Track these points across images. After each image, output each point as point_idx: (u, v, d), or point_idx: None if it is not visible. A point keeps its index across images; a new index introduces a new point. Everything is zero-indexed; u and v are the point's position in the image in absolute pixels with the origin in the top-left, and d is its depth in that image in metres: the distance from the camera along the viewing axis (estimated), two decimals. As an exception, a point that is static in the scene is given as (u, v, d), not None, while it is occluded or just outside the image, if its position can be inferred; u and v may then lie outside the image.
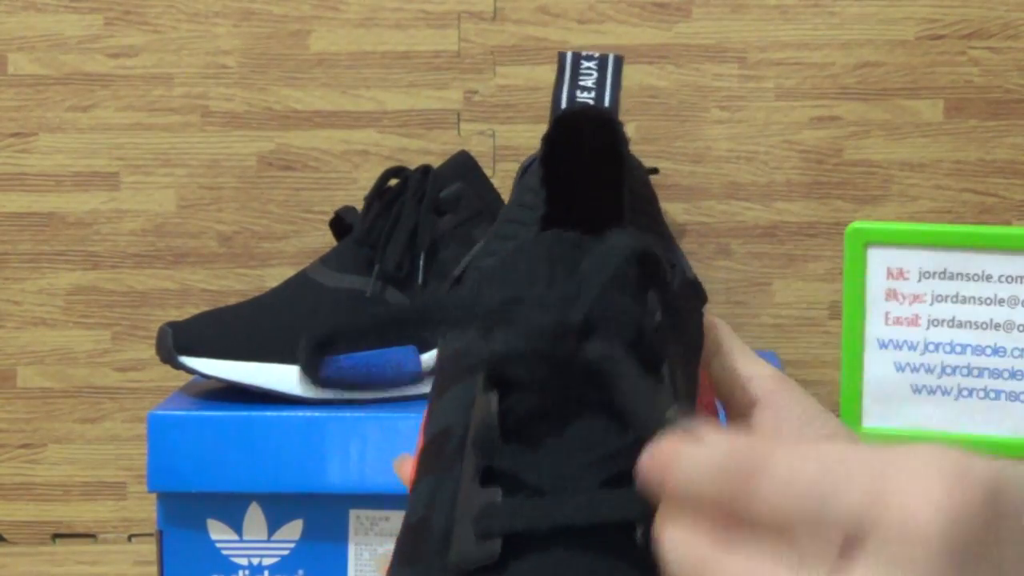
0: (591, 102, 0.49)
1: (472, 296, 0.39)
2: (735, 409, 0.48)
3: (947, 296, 0.81)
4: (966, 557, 0.29)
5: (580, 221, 0.48)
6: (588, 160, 0.48)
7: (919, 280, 0.81)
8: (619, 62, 0.50)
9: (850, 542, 0.30)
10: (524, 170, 0.49)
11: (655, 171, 1.01)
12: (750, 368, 0.48)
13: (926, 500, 0.29)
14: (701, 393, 0.47)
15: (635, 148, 1.08)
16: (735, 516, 0.33)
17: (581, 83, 0.49)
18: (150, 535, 1.09)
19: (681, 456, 0.35)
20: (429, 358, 0.87)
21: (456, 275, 0.46)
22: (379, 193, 0.91)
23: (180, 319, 0.88)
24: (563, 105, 0.49)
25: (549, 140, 0.46)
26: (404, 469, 0.45)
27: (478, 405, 0.38)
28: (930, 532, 0.29)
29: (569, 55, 0.50)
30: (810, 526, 0.31)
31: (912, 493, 0.30)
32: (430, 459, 0.41)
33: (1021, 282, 0.80)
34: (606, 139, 0.47)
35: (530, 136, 1.09)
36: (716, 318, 0.50)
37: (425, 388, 0.87)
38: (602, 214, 0.49)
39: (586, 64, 0.50)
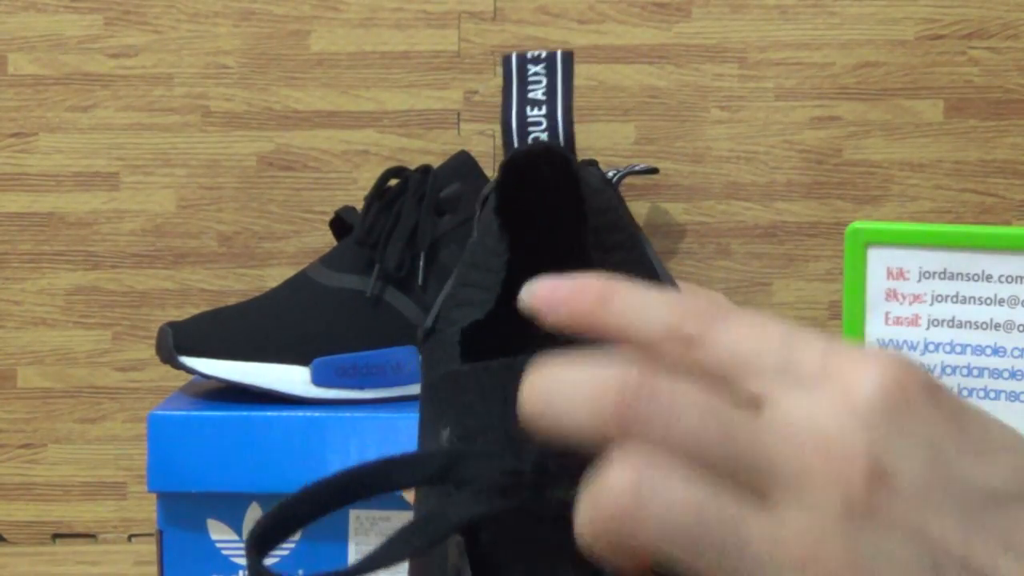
0: (543, 121, 0.46)
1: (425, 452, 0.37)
2: None
3: (947, 296, 0.81)
4: (899, 423, 0.31)
5: (545, 263, 0.47)
6: (545, 202, 0.46)
7: (919, 280, 0.81)
8: (568, 59, 0.47)
9: (800, 385, 0.32)
10: (483, 201, 0.46)
11: (655, 171, 1.01)
12: None
13: (881, 364, 0.32)
14: None
15: (635, 148, 1.08)
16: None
17: (531, 94, 0.46)
18: (150, 535, 1.09)
19: (621, 297, 0.34)
20: (429, 358, 0.87)
21: (428, 326, 0.44)
22: (379, 193, 0.91)
23: (180, 319, 0.89)
24: (514, 130, 0.46)
25: (501, 187, 0.43)
26: None
27: (450, 553, 0.37)
28: (883, 383, 0.31)
29: (514, 58, 0.47)
30: (770, 366, 0.32)
31: (870, 358, 0.32)
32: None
33: (1021, 282, 0.80)
34: (560, 180, 0.44)
35: (530, 136, 1.08)
36: (717, 294, 0.47)
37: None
38: (567, 256, 0.47)
39: (534, 69, 0.47)
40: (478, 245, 0.44)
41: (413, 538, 0.36)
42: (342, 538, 0.83)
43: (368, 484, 0.37)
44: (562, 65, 0.45)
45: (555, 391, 0.32)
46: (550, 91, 0.45)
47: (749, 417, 0.31)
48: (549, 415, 0.32)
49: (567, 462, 0.35)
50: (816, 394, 0.31)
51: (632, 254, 0.44)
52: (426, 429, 0.41)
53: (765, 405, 0.31)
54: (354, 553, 0.83)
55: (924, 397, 0.32)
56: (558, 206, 0.46)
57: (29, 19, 1.08)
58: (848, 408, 0.31)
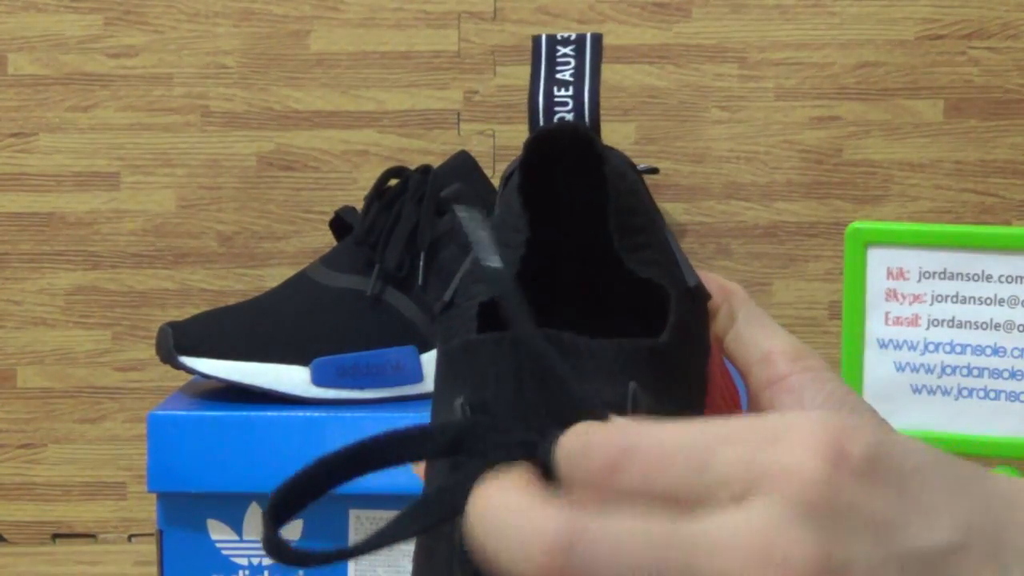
0: (569, 102, 0.46)
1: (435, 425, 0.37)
2: (754, 389, 0.44)
3: (947, 296, 0.81)
4: (846, 503, 0.31)
5: (566, 242, 0.47)
6: (568, 182, 0.46)
7: (919, 280, 0.81)
8: (597, 41, 0.47)
9: (734, 499, 0.31)
10: (507, 179, 0.46)
11: (655, 171, 1.01)
12: (768, 342, 0.45)
13: (813, 452, 0.31)
14: (714, 377, 0.44)
15: (635, 148, 1.08)
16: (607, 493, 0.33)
17: (559, 75, 0.47)
18: (150, 535, 1.09)
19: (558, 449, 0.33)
20: (429, 358, 0.87)
21: (447, 300, 0.44)
22: (379, 193, 0.91)
23: (180, 319, 0.89)
24: (540, 109, 0.46)
25: (524, 165, 0.44)
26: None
27: (456, 531, 0.37)
28: (817, 477, 0.31)
29: (544, 40, 0.47)
30: (692, 493, 0.32)
31: (799, 447, 0.31)
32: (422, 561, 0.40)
33: (1021, 282, 0.80)
34: (584, 160, 0.45)
35: (530, 136, 1.09)
36: (733, 284, 0.46)
37: (425, 388, 0.87)
38: (588, 236, 0.47)
39: (563, 50, 0.47)
40: (499, 220, 0.44)
41: (423, 514, 0.36)
42: (342, 538, 0.83)
43: (380, 455, 0.38)
44: (591, 47, 0.46)
45: (493, 530, 0.32)
46: (578, 72, 0.45)
47: (689, 542, 0.31)
48: (488, 550, 0.32)
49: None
50: (753, 502, 0.31)
51: (652, 237, 0.44)
52: (440, 399, 0.41)
53: (704, 525, 0.31)
54: (354, 553, 0.83)
55: (863, 472, 0.31)
56: (581, 186, 0.46)
57: (29, 19, 1.08)
58: (787, 509, 0.30)
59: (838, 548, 0.30)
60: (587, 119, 0.45)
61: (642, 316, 0.46)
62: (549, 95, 0.45)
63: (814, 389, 0.43)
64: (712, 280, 0.46)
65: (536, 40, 0.46)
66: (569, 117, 0.45)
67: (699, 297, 0.44)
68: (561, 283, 0.48)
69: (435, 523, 0.35)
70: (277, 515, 0.36)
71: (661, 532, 0.31)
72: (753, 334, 0.45)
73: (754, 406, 0.44)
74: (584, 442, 0.33)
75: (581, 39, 0.46)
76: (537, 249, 0.43)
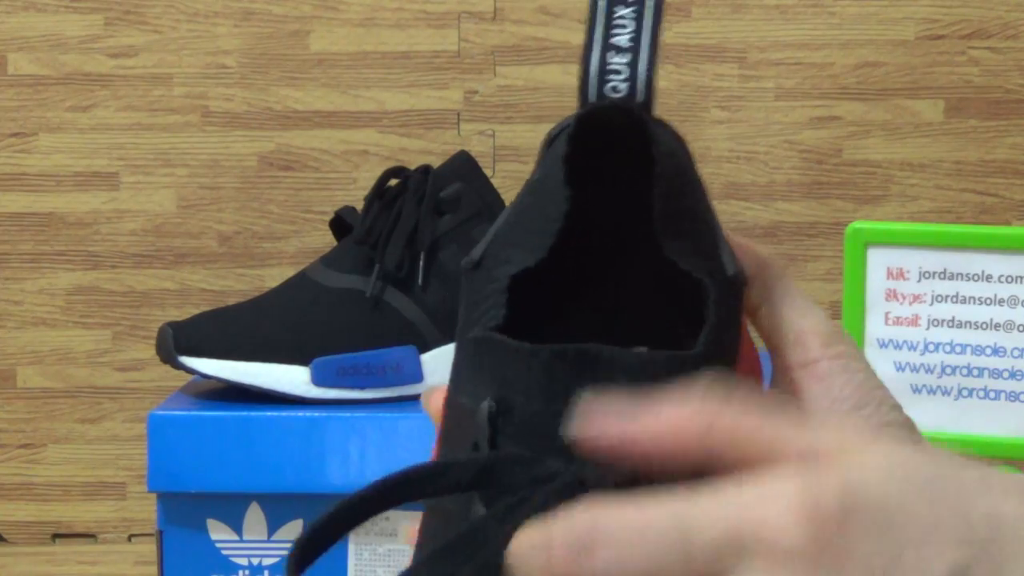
0: (625, 70, 0.44)
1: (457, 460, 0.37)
2: (781, 368, 0.43)
3: (947, 296, 0.81)
4: (833, 556, 0.30)
5: (606, 216, 0.46)
6: (614, 160, 0.45)
7: (919, 280, 0.81)
8: (660, 4, 0.45)
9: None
10: (551, 141, 0.45)
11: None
12: (802, 321, 0.43)
13: (788, 518, 0.30)
14: (741, 353, 0.43)
15: (635, 148, 1.08)
16: None
17: (614, 40, 0.44)
18: (150, 535, 1.09)
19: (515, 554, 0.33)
20: (429, 358, 0.87)
21: (476, 259, 0.42)
22: (379, 193, 0.91)
23: (180, 319, 0.89)
24: (591, 76, 0.44)
25: (572, 139, 0.43)
26: (435, 400, 0.42)
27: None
28: (796, 541, 0.30)
29: None
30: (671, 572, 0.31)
31: (774, 514, 0.31)
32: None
33: (1021, 282, 0.80)
34: (633, 140, 0.43)
35: (531, 136, 1.09)
36: (769, 255, 0.44)
37: (425, 388, 0.87)
38: (629, 211, 0.46)
39: (620, 11, 0.45)
40: (539, 186, 0.43)
41: (455, 556, 0.35)
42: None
43: (403, 493, 0.38)
44: (653, 9, 0.43)
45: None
46: (635, 38, 0.43)
47: None
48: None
49: (607, 472, 0.34)
50: (742, 572, 0.31)
51: (696, 226, 0.43)
52: (463, 377, 0.40)
53: None
54: (354, 553, 0.83)
55: (841, 522, 0.31)
56: (628, 165, 0.45)
57: (29, 19, 1.08)
58: (779, 569, 0.30)
59: None
60: (641, 91, 0.44)
61: (676, 301, 0.45)
62: (603, 61, 0.43)
63: (843, 379, 0.42)
64: (748, 250, 0.44)
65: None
66: (623, 87, 0.44)
67: (737, 286, 0.43)
68: (595, 262, 0.47)
69: (470, 567, 0.35)
70: (302, 561, 0.35)
71: None
72: (787, 312, 0.43)
73: (778, 384, 0.43)
74: (544, 536, 0.33)
75: (641, 1, 0.44)
76: (575, 224, 0.42)
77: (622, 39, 0.43)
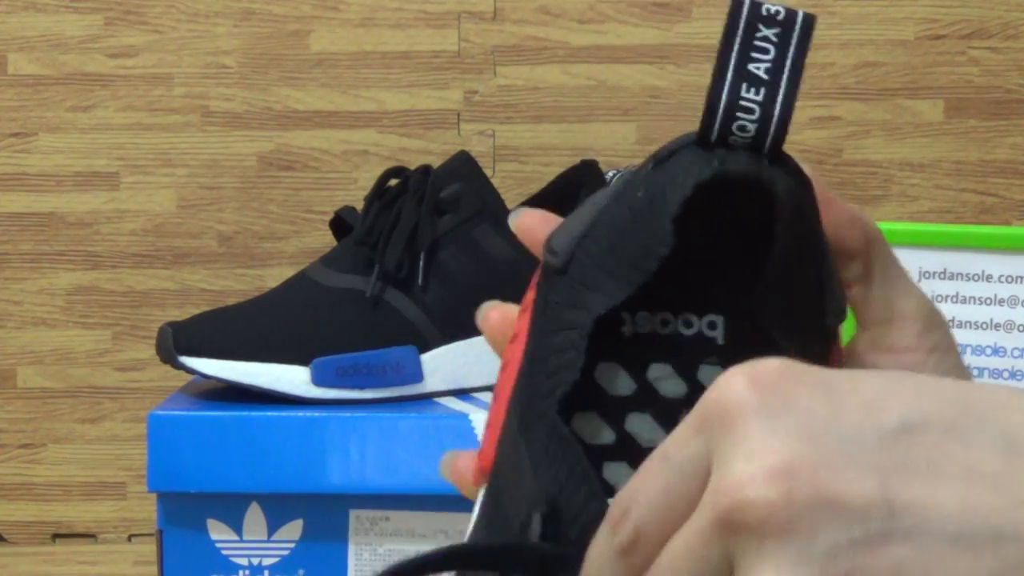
0: (757, 110, 0.37)
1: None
2: (864, 346, 0.42)
3: (947, 296, 0.81)
4: (774, 406, 0.32)
5: (703, 274, 0.42)
6: (730, 213, 0.41)
7: (919, 280, 0.81)
8: (808, 27, 0.37)
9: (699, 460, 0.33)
10: (665, 157, 0.40)
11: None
12: (900, 303, 0.41)
13: (735, 389, 0.32)
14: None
15: (636, 148, 1.08)
16: None
17: (752, 67, 0.38)
18: (150, 535, 1.09)
19: None
20: (429, 358, 0.87)
21: (560, 264, 0.39)
22: (379, 193, 0.91)
23: (180, 319, 0.88)
24: (719, 111, 0.38)
25: (688, 202, 0.38)
26: (458, 467, 0.42)
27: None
28: (744, 404, 0.32)
29: (746, 7, 0.37)
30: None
31: (726, 394, 0.32)
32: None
33: (1021, 282, 0.80)
34: (754, 201, 0.39)
35: (531, 136, 1.09)
36: (874, 231, 0.42)
37: (425, 388, 0.87)
38: (731, 275, 0.42)
39: (764, 32, 0.37)
40: (643, 211, 0.39)
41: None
42: (342, 538, 0.83)
43: (465, 563, 0.37)
44: (798, 35, 0.37)
45: None
46: (775, 69, 0.38)
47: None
48: None
49: None
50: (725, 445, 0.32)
51: (804, 302, 0.39)
52: (522, 474, 0.39)
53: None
54: (354, 553, 0.83)
55: (778, 380, 0.32)
56: (743, 220, 0.41)
57: (29, 19, 1.08)
58: (728, 446, 0.32)
59: (785, 451, 0.31)
60: (772, 138, 0.38)
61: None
62: (734, 94, 0.38)
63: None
64: (858, 223, 0.42)
65: (736, 7, 0.37)
66: (751, 127, 0.38)
67: (834, 329, 0.40)
68: (679, 300, 0.43)
69: None
70: None
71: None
72: (888, 292, 0.42)
73: (853, 360, 0.42)
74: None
75: (791, 20, 0.37)
76: (670, 263, 0.38)
77: (760, 68, 0.38)
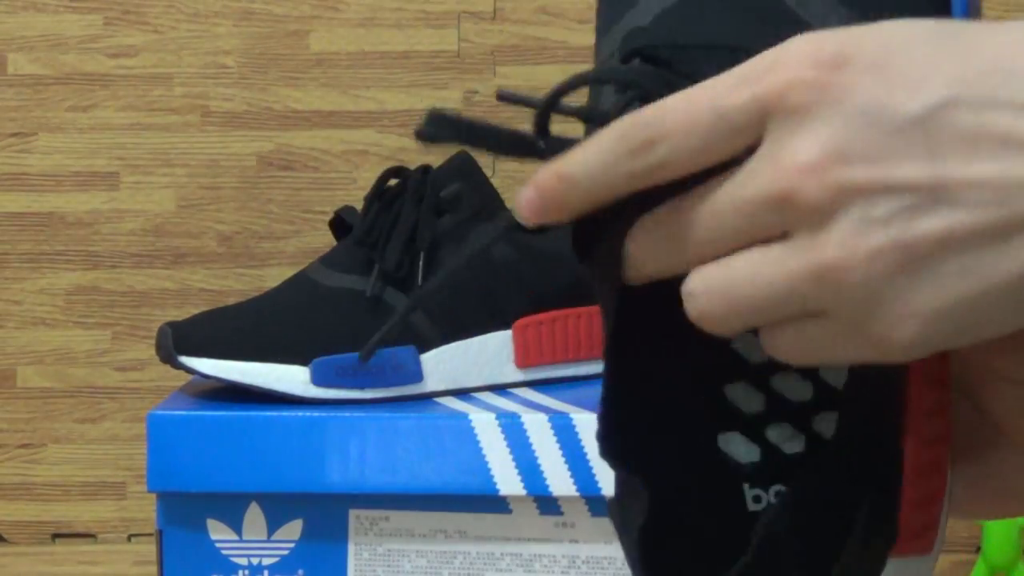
0: None
1: None
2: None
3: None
4: (833, 95, 0.34)
5: None
6: None
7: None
8: None
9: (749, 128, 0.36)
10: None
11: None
12: None
13: (795, 65, 0.35)
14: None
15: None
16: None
17: None
18: (150, 535, 1.09)
19: (570, 165, 0.38)
20: (429, 358, 0.87)
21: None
22: (379, 193, 0.91)
23: (180, 319, 0.89)
24: None
25: None
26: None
27: None
28: (803, 95, 0.34)
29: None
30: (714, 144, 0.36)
31: (783, 75, 0.35)
32: None
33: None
34: None
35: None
36: None
37: (425, 388, 0.87)
38: None
39: None
40: None
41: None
42: (342, 538, 0.83)
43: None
44: None
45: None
46: None
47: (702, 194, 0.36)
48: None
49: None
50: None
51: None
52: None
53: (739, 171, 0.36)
54: (354, 553, 0.83)
55: (837, 65, 0.34)
56: None
57: (29, 19, 1.08)
58: (785, 124, 0.35)
59: (836, 137, 0.34)
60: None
61: None
62: None
63: None
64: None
65: None
66: None
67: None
68: None
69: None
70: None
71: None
72: None
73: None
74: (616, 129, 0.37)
75: None
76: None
77: None
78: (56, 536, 1.10)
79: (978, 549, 0.92)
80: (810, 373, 0.43)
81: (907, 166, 0.33)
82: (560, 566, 0.81)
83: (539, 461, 0.80)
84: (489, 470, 0.80)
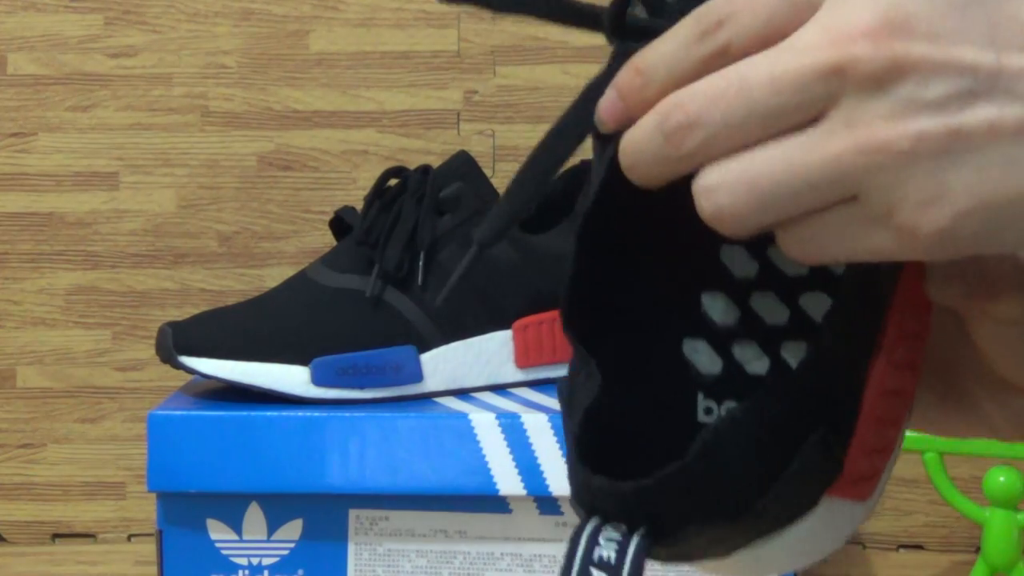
0: None
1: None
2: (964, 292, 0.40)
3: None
4: (895, 63, 0.33)
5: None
6: None
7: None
8: (639, 557, 0.36)
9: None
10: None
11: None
12: None
13: (857, 45, 0.34)
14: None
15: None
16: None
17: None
18: (150, 535, 1.09)
19: (646, 58, 0.37)
20: (429, 358, 0.87)
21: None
22: (379, 193, 0.91)
23: (180, 319, 0.89)
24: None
25: None
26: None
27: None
28: (866, 65, 0.33)
29: (582, 543, 0.37)
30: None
31: (845, 48, 0.34)
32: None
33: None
34: None
35: (531, 136, 1.09)
36: None
37: (425, 388, 0.87)
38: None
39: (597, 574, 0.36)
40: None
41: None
42: (342, 538, 0.83)
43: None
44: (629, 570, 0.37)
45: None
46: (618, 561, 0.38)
47: (765, 60, 0.35)
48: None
49: None
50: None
51: None
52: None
53: (779, 48, 0.35)
54: (354, 553, 0.83)
55: (895, 34, 0.34)
56: None
57: (29, 19, 1.08)
58: (854, 96, 0.33)
59: (898, 5, 0.33)
60: None
61: None
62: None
63: None
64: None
65: (575, 537, 0.37)
66: None
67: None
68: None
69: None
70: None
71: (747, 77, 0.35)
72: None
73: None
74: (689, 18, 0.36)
75: (620, 564, 0.36)
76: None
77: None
78: (56, 536, 1.10)
79: (978, 549, 0.92)
80: (791, 298, 0.43)
81: (967, 48, 0.33)
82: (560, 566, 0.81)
83: (539, 461, 0.80)
84: (489, 470, 0.80)
